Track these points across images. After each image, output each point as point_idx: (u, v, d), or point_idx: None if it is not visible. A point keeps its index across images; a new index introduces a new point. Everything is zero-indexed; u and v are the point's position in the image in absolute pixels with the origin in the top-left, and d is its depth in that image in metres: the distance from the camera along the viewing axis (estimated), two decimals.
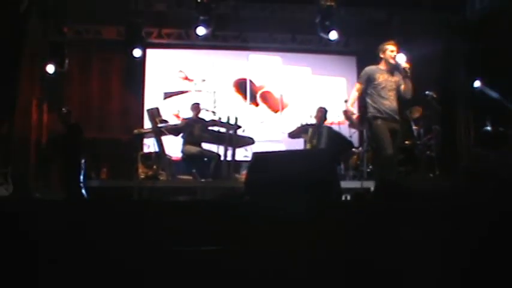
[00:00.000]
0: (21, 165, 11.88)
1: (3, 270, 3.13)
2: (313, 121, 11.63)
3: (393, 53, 7.84)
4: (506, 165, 3.70)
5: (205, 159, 11.10)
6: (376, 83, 7.80)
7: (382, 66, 7.91)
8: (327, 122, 11.73)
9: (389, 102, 7.76)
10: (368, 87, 7.89)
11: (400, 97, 7.90)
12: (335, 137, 11.09)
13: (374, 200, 4.42)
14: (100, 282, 3.15)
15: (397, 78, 7.84)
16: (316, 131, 11.14)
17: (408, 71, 7.75)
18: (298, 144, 12.25)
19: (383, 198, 4.27)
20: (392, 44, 7.93)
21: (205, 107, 11.58)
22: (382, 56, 7.92)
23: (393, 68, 7.87)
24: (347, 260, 3.32)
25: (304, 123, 11.81)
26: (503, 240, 3.23)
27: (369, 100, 7.93)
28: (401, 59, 7.90)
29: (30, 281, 3.13)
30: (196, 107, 11.44)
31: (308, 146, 11.07)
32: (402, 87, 7.84)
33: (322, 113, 11.45)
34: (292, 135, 11.70)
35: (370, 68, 7.98)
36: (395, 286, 3.28)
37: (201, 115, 11.34)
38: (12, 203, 5.13)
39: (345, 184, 9.71)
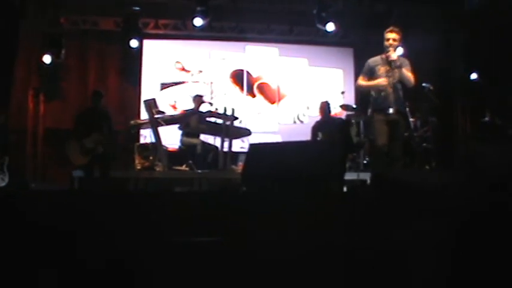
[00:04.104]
0: (17, 155, 11.89)
1: None
2: (316, 114, 11.67)
3: (388, 42, 7.78)
4: (503, 160, 3.70)
5: (203, 150, 11.11)
6: (376, 75, 7.79)
7: (383, 55, 7.87)
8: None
9: (390, 95, 7.74)
10: (370, 79, 7.87)
11: (403, 87, 7.87)
12: (342, 132, 11.14)
13: (370, 193, 4.42)
14: (95, 272, 3.15)
15: (395, 68, 7.80)
16: (325, 125, 11.18)
17: (395, 63, 7.71)
18: (295, 135, 12.27)
19: (379, 191, 4.27)
20: (390, 31, 7.86)
21: (207, 100, 11.59)
22: (384, 44, 7.90)
23: (386, 58, 7.83)
24: (344, 252, 3.32)
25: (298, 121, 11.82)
26: (498, 236, 3.23)
27: (371, 93, 7.93)
28: (395, 51, 7.85)
29: (27, 272, 3.13)
30: (199, 99, 11.43)
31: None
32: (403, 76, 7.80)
33: (325, 106, 11.48)
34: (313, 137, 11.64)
35: (372, 60, 7.95)
36: (390, 279, 3.28)
37: (201, 107, 11.34)
38: (8, 193, 5.12)
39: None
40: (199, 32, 12.99)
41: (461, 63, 12.95)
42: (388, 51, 7.74)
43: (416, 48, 11.01)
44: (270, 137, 13.40)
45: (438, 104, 10.48)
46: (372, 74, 7.87)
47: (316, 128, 11.52)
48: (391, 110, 7.72)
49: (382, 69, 7.80)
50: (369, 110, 7.99)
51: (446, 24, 13.10)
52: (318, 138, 11.15)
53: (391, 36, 7.80)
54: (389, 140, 7.65)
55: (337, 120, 11.67)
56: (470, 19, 12.50)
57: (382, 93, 7.72)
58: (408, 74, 7.81)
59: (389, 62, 7.72)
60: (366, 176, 9.70)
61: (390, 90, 7.74)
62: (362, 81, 8.05)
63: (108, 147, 9.98)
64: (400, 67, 7.75)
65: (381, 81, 7.74)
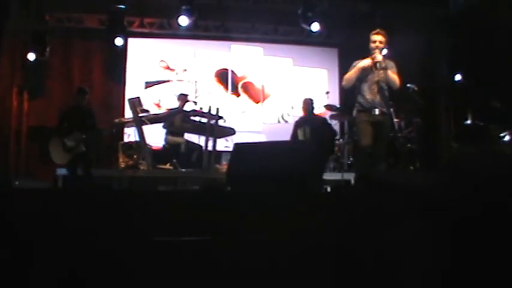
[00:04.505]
0: (1, 153, 11.84)
1: None
2: (300, 113, 11.68)
3: (375, 44, 7.79)
4: (485, 163, 3.72)
5: (188, 149, 11.12)
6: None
7: (369, 58, 7.89)
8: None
9: (375, 95, 7.75)
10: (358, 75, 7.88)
11: (388, 88, 7.89)
12: (326, 128, 11.19)
13: (354, 193, 4.43)
14: (79, 272, 3.14)
15: (381, 69, 7.81)
16: (307, 122, 11.20)
17: (380, 64, 7.73)
18: (279, 135, 12.29)
19: (363, 191, 4.28)
20: (376, 34, 7.86)
21: (191, 99, 11.60)
22: (370, 46, 7.92)
23: (373, 59, 7.85)
24: (329, 250, 3.33)
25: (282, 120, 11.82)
26: (482, 237, 3.25)
27: (355, 93, 7.94)
28: (379, 52, 7.87)
29: (11, 271, 3.12)
30: (183, 98, 11.45)
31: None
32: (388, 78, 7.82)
33: (308, 104, 11.49)
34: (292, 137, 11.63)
35: (357, 63, 7.97)
36: (378, 279, 3.29)
37: (186, 106, 11.34)
38: None
39: (325, 176, 9.74)
40: (184, 30, 12.95)
41: (446, 64, 13.00)
42: (373, 53, 7.76)
43: (401, 48, 11.02)
44: (255, 137, 13.41)
45: (422, 104, 10.50)
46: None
47: (297, 125, 11.53)
48: (376, 111, 7.74)
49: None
50: (354, 111, 8.00)
51: (430, 25, 13.14)
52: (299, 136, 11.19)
53: (377, 38, 7.81)
54: (373, 140, 7.66)
55: (319, 119, 11.67)
56: (455, 20, 12.55)
57: (366, 94, 7.74)
58: (394, 76, 7.82)
59: (374, 64, 7.74)
60: (350, 176, 9.73)
61: (376, 88, 7.76)
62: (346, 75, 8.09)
63: (89, 146, 9.93)
64: (385, 68, 7.77)
65: (364, 62, 7.77)
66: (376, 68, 7.74)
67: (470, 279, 3.21)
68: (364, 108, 7.77)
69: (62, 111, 10.63)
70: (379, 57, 7.72)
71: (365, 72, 7.80)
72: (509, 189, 3.37)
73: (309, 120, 11.38)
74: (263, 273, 3.24)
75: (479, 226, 3.28)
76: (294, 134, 11.34)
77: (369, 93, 7.75)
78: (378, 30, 7.96)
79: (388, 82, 7.80)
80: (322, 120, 11.64)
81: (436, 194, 3.47)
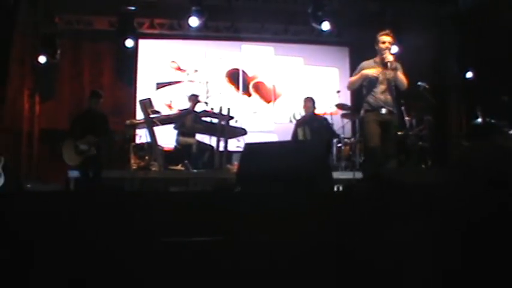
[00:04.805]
0: (13, 156, 11.87)
1: None
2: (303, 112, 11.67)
3: (384, 45, 7.83)
4: (496, 159, 3.70)
5: (199, 150, 11.13)
6: (370, 78, 7.84)
7: (376, 58, 7.92)
8: (319, 112, 11.81)
9: (383, 95, 7.78)
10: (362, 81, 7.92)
11: (396, 89, 7.92)
12: (326, 129, 11.19)
13: (365, 193, 4.42)
14: (90, 273, 3.15)
15: (391, 70, 7.83)
16: (307, 122, 11.18)
17: (391, 64, 7.76)
18: (291, 134, 12.27)
19: (374, 191, 4.27)
20: (386, 35, 7.91)
21: (202, 99, 11.61)
22: (376, 47, 7.93)
23: (382, 60, 7.86)
24: (338, 251, 3.33)
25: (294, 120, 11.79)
26: (493, 235, 3.23)
27: (363, 93, 7.96)
28: (389, 53, 7.89)
29: (20, 273, 3.12)
30: (194, 99, 11.45)
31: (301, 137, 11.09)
32: (397, 78, 7.85)
33: (310, 103, 11.48)
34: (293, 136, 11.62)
35: (365, 63, 7.98)
36: (385, 279, 3.28)
37: (197, 107, 11.35)
38: (3, 194, 5.11)
39: (337, 175, 9.74)
40: (194, 31, 12.96)
41: (456, 61, 12.96)
42: (383, 54, 7.77)
43: (411, 46, 11.02)
44: (266, 136, 13.42)
45: (433, 102, 10.47)
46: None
47: (298, 124, 11.54)
48: (383, 110, 7.76)
49: (374, 70, 7.83)
50: (362, 111, 8.02)
51: (440, 23, 13.10)
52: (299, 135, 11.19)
53: (386, 39, 7.85)
54: (381, 140, 7.68)
55: (320, 119, 11.65)
56: (464, 17, 12.51)
57: (375, 94, 7.76)
58: (402, 76, 7.87)
59: (385, 64, 7.75)
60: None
61: (384, 87, 7.78)
62: (351, 77, 8.14)
63: (101, 150, 9.96)
64: (396, 69, 7.80)
65: (370, 71, 7.79)
66: (386, 68, 7.76)
67: (480, 279, 3.19)
68: (373, 107, 7.79)
69: (75, 114, 10.67)
70: (389, 57, 7.75)
71: (369, 79, 7.84)
72: None
73: (309, 120, 11.37)
74: (273, 274, 3.24)
75: (491, 225, 3.27)
76: (295, 133, 11.35)
77: (378, 92, 7.77)
78: (386, 31, 8.00)
79: (396, 82, 7.83)
80: (322, 120, 11.63)
81: (446, 192, 3.46)
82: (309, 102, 11.52)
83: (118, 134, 10.83)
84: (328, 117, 11.88)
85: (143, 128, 11.16)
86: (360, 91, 8.12)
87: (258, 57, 14.49)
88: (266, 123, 14.01)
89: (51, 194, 4.38)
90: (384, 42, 7.83)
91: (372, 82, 7.82)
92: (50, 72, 12.86)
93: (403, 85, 7.91)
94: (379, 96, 7.76)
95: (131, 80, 13.68)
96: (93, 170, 9.92)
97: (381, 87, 7.78)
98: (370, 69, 7.82)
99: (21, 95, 12.51)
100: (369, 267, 3.27)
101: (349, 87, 8.31)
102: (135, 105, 13.07)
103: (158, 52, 14.01)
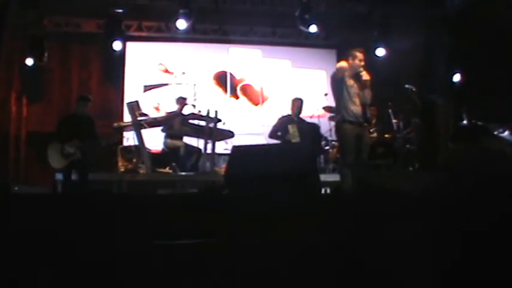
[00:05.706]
0: (0, 158, 11.83)
1: None
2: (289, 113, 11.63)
3: (361, 63, 7.96)
4: (483, 162, 3.71)
5: (187, 153, 11.13)
6: (347, 85, 7.95)
7: (350, 70, 8.01)
8: (307, 114, 11.81)
9: (356, 107, 8.01)
10: (341, 86, 8.00)
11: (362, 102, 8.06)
12: (313, 131, 11.21)
13: (352, 195, 4.44)
14: (79, 276, 3.15)
15: (360, 83, 8.02)
16: (294, 123, 11.17)
17: (366, 82, 7.91)
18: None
19: (361, 194, 4.29)
20: (360, 52, 8.11)
21: (190, 102, 11.61)
22: (350, 61, 8.03)
23: (357, 74, 7.96)
24: (327, 252, 3.34)
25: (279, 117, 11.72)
26: (481, 238, 3.25)
27: (340, 101, 8.04)
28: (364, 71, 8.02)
29: (10, 276, 3.12)
30: (182, 101, 11.45)
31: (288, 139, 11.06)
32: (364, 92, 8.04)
33: (298, 103, 11.45)
34: (271, 135, 11.57)
35: (344, 68, 8.06)
36: (375, 279, 3.30)
37: (185, 109, 11.35)
38: None
39: (324, 177, 9.74)
40: (182, 34, 12.92)
41: (444, 64, 12.99)
42: (361, 71, 7.94)
43: (399, 49, 11.06)
44: (254, 139, 13.39)
45: (421, 105, 10.52)
46: (342, 82, 8.02)
47: (288, 121, 11.44)
48: (357, 123, 7.94)
49: (351, 82, 7.98)
50: (338, 117, 8.13)
51: (427, 26, 13.13)
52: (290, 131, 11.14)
53: (362, 56, 8.05)
54: (356, 152, 7.89)
55: (310, 123, 11.65)
56: (452, 20, 12.55)
57: (350, 105, 7.89)
58: (370, 92, 8.11)
59: (361, 82, 7.96)
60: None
61: (357, 101, 7.99)
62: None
63: (87, 154, 9.92)
64: (367, 87, 7.98)
65: (354, 107, 7.99)
66: (359, 82, 7.89)
67: (468, 279, 3.21)
68: (346, 119, 7.91)
69: (62, 117, 10.62)
70: (366, 76, 7.92)
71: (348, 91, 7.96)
72: (505, 188, 3.38)
73: (298, 120, 11.33)
74: (262, 274, 3.24)
75: (477, 227, 3.28)
76: (285, 128, 11.22)
77: (354, 104, 7.95)
78: (360, 49, 8.18)
79: (366, 96, 8.00)
80: (313, 125, 11.64)
81: (431, 195, 3.48)
82: (298, 102, 11.47)
83: (105, 139, 10.78)
84: (315, 119, 11.89)
85: (131, 130, 11.15)
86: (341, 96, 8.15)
87: (245, 59, 14.49)
88: (254, 126, 13.99)
89: (38, 197, 4.37)
90: (360, 60, 8.05)
91: (349, 93, 7.92)
92: (37, 74, 12.80)
93: (369, 100, 8.19)
94: (353, 108, 7.98)
95: (119, 83, 13.64)
96: (78, 174, 9.88)
97: (355, 100, 8.01)
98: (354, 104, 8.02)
99: (9, 97, 12.45)
100: (359, 268, 3.28)
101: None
102: (122, 108, 13.03)
103: (146, 54, 13.99)
